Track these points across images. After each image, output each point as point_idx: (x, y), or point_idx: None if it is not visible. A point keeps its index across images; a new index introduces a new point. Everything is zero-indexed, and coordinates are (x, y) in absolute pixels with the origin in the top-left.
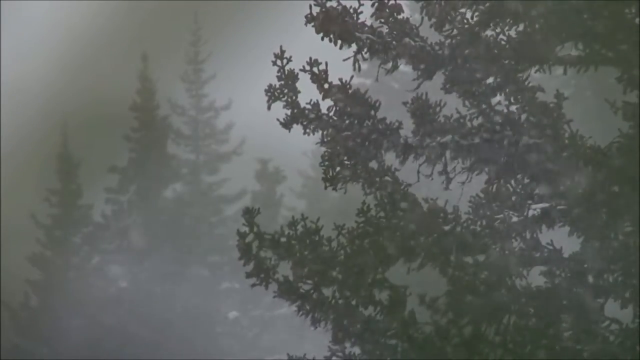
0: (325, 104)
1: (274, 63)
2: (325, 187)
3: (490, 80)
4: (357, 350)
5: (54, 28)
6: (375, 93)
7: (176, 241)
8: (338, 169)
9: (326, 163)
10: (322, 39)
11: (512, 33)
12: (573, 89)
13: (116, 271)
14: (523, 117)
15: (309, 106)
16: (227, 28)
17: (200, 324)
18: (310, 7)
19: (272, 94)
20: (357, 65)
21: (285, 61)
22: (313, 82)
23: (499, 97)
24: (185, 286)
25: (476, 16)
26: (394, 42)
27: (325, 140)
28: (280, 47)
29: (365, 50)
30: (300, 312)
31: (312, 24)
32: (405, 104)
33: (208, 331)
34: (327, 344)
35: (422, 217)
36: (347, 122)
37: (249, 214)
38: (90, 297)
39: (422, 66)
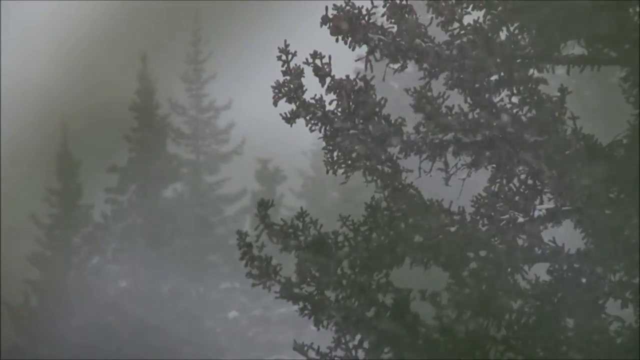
0: (328, 99)
1: (279, 58)
2: (327, 172)
3: (495, 77)
4: (360, 346)
5: (54, 28)
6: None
7: (176, 241)
8: (340, 153)
9: (329, 147)
10: (337, 40)
11: (516, 32)
12: (573, 88)
13: (116, 271)
14: (525, 109)
15: (313, 101)
16: (227, 28)
17: (200, 324)
18: (327, 8)
19: (280, 91)
20: (369, 66)
21: (290, 56)
22: (316, 75)
23: (502, 94)
24: (185, 286)
25: (488, 19)
26: (403, 43)
27: (330, 136)
28: (285, 41)
29: (377, 51)
30: (303, 313)
31: (327, 25)
32: (407, 90)
33: (208, 331)
34: (332, 335)
35: (426, 216)
36: (351, 118)
37: (264, 205)
38: (90, 297)
39: (428, 66)
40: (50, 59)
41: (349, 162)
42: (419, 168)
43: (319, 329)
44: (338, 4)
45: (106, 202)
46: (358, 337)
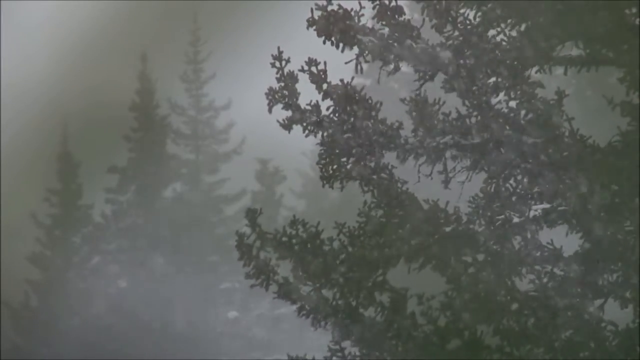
0: (325, 104)
1: (273, 65)
2: (323, 185)
3: (491, 79)
4: (356, 350)
5: (54, 28)
6: (375, 93)
7: (176, 241)
8: (335, 166)
9: (323, 162)
10: (324, 42)
11: (513, 33)
12: (573, 88)
13: (116, 271)
14: (522, 113)
15: (309, 107)
16: (226, 28)
17: (200, 324)
18: (312, 10)
19: (273, 97)
20: (359, 68)
21: (284, 63)
22: (312, 82)
23: (499, 97)
24: (185, 286)
25: (479, 16)
26: (395, 45)
27: (326, 141)
28: (278, 48)
29: (367, 53)
30: (301, 313)
31: (314, 27)
32: (403, 100)
33: (208, 331)
34: (328, 343)
35: (422, 218)
36: (348, 123)
37: (252, 214)
38: (90, 297)
39: (423, 68)
40: (50, 59)
41: (344, 173)
42: (418, 172)
43: (316, 329)
44: (321, 3)
45: (106, 202)
46: (355, 335)
